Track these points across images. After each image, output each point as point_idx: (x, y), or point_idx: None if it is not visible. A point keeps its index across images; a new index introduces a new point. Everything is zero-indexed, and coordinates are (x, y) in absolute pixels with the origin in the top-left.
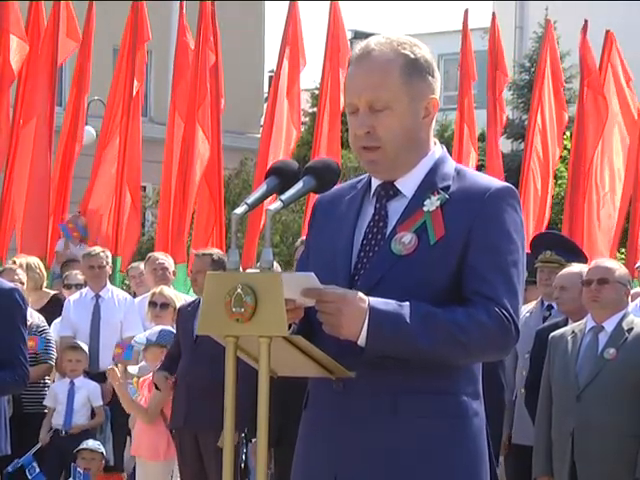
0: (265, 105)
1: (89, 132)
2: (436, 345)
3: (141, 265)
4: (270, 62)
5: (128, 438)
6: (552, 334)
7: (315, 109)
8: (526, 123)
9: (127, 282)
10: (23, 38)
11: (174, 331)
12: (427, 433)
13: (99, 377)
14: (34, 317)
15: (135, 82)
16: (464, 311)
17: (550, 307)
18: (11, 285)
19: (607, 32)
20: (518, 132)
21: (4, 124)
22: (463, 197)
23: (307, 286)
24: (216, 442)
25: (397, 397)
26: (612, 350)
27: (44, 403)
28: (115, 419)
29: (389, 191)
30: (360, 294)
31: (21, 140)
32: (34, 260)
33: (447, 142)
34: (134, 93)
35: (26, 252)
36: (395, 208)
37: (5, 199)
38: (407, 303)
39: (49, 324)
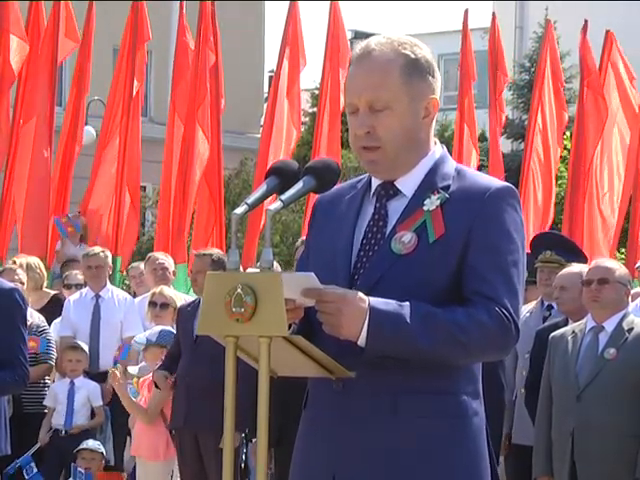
0: (265, 105)
1: (89, 132)
2: (436, 345)
3: (141, 265)
4: (270, 62)
5: (128, 438)
6: (552, 334)
7: (315, 109)
8: (526, 123)
9: (127, 282)
10: (23, 38)
11: (174, 331)
12: (427, 433)
13: (99, 377)
14: (34, 317)
15: (135, 82)
16: (464, 311)
17: (550, 307)
18: (11, 285)
19: (607, 32)
20: (518, 132)
21: (4, 124)
22: (463, 197)
23: (307, 286)
24: (216, 442)
25: (397, 397)
26: (612, 350)
27: (44, 403)
28: (115, 419)
29: (389, 191)
30: (360, 294)
31: (21, 140)
32: (34, 260)
33: (447, 142)
34: (134, 93)
35: (26, 252)
36: (395, 207)
37: (5, 199)
38: (407, 303)
39: (49, 324)
